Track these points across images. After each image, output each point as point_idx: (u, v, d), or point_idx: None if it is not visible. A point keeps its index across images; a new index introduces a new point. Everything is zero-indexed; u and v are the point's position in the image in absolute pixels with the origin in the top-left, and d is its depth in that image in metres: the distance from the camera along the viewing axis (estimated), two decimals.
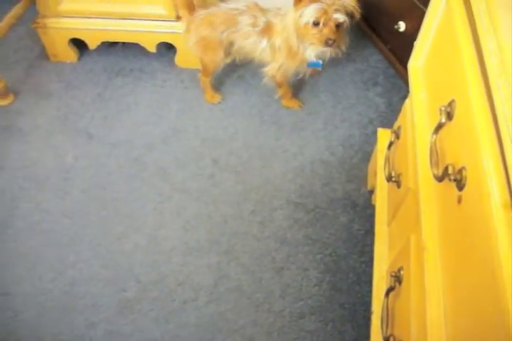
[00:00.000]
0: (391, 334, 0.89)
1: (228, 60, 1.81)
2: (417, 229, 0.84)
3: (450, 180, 0.68)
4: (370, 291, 1.13)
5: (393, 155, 1.15)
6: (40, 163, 1.61)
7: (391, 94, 1.77)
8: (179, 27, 1.70)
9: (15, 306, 1.30)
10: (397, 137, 1.14)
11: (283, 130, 1.68)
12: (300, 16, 1.41)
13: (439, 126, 0.76)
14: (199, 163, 1.60)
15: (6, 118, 1.75)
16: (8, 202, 1.51)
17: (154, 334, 1.24)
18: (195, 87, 1.81)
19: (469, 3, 0.74)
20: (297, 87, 1.81)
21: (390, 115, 1.69)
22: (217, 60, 1.65)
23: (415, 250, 0.87)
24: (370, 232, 1.36)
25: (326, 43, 1.40)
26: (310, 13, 1.39)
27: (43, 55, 1.95)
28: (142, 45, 1.85)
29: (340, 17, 1.38)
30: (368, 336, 1.06)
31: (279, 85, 1.68)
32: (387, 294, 0.94)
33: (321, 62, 1.55)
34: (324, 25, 1.39)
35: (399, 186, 1.06)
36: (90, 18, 1.79)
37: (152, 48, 1.85)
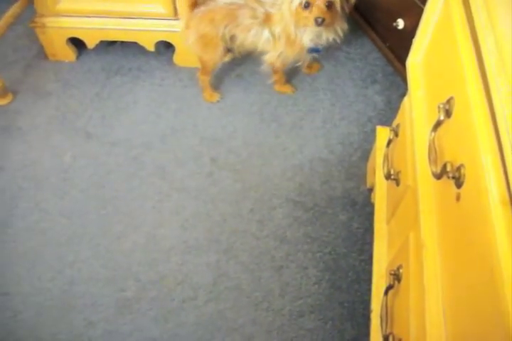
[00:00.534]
0: (390, 333, 0.89)
1: (228, 59, 1.82)
2: (416, 226, 0.84)
3: (449, 177, 0.68)
4: (370, 289, 1.13)
5: (392, 153, 1.15)
6: (39, 163, 1.61)
7: (390, 91, 1.77)
8: (178, 25, 1.70)
9: (14, 306, 1.29)
10: (396, 135, 1.13)
11: (282, 128, 1.68)
12: (291, 2, 1.45)
13: (438, 124, 0.76)
14: (198, 162, 1.60)
15: (5, 117, 1.75)
16: (8, 202, 1.51)
17: (153, 334, 1.24)
18: (193, 85, 1.80)
19: (467, 0, 0.74)
20: (297, 86, 1.80)
21: (388, 113, 1.69)
22: (217, 57, 1.65)
23: (414, 248, 0.86)
24: (369, 230, 1.36)
25: (316, 22, 1.42)
26: None
27: (41, 54, 1.94)
28: (141, 43, 1.84)
29: None
30: (367, 334, 1.06)
31: (275, 71, 1.71)
32: (386, 292, 0.94)
33: (320, 47, 1.57)
34: (314, 6, 1.42)
35: (398, 184, 1.06)
36: (88, 17, 1.79)
37: (151, 47, 1.85)
